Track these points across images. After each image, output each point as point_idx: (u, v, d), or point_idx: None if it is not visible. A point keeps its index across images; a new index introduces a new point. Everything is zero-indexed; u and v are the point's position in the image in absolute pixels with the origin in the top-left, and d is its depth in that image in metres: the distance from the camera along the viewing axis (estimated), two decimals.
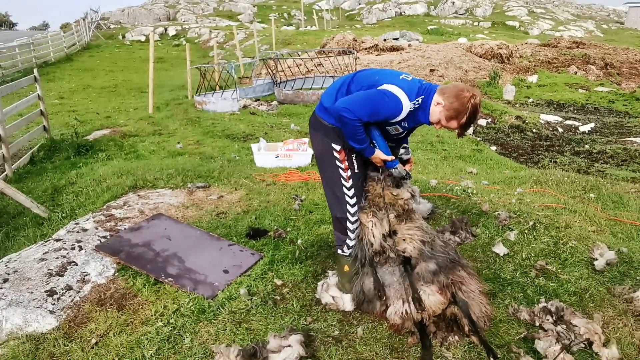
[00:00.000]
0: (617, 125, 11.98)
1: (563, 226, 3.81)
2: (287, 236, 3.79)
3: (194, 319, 2.73)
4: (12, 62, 19.18)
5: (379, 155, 2.62)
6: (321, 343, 2.52)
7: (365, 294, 2.73)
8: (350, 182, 2.69)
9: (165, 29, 35.41)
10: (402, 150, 2.77)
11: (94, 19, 37.26)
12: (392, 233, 2.69)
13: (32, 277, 3.02)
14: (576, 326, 2.48)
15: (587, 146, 9.59)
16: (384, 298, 2.64)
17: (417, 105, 2.50)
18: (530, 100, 15.25)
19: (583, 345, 2.40)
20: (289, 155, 6.11)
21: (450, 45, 21.22)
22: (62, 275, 3.07)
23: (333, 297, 2.86)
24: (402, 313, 2.53)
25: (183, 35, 34.00)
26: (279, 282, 3.11)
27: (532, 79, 17.63)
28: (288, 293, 3.01)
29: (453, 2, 44.03)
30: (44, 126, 7.82)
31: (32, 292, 2.87)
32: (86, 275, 3.13)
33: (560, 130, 11.27)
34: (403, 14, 43.96)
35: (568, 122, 12.03)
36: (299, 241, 3.65)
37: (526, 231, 3.75)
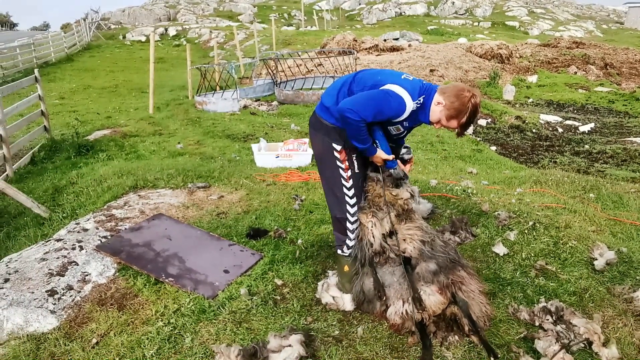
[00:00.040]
0: (617, 125, 11.98)
1: (563, 226, 3.82)
2: (287, 236, 3.79)
3: (195, 318, 2.74)
4: (13, 62, 19.19)
5: (381, 155, 2.63)
6: (321, 343, 2.52)
7: (365, 294, 2.74)
8: (351, 182, 2.70)
9: (166, 29, 35.42)
10: (403, 150, 2.77)
11: (94, 19, 37.28)
12: (392, 233, 2.69)
13: (33, 277, 3.03)
14: (576, 326, 2.49)
15: (587, 146, 9.59)
16: (384, 298, 2.65)
17: (419, 105, 2.52)
18: (530, 100, 15.25)
19: (583, 345, 2.40)
20: (289, 155, 6.11)
21: (450, 45, 21.23)
22: (62, 275, 3.08)
23: (333, 297, 2.87)
24: (402, 313, 2.54)
25: (183, 35, 34.02)
26: (279, 282, 3.11)
27: (532, 79, 17.63)
28: (288, 293, 3.01)
29: (453, 3, 44.04)
30: (45, 126, 7.84)
31: (33, 292, 2.88)
32: (87, 275, 3.13)
33: (560, 130, 11.28)
34: (403, 14, 43.96)
35: (568, 122, 12.03)
36: (299, 241, 3.66)
37: (526, 231, 3.75)
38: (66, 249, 3.37)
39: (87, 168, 6.20)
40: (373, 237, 2.69)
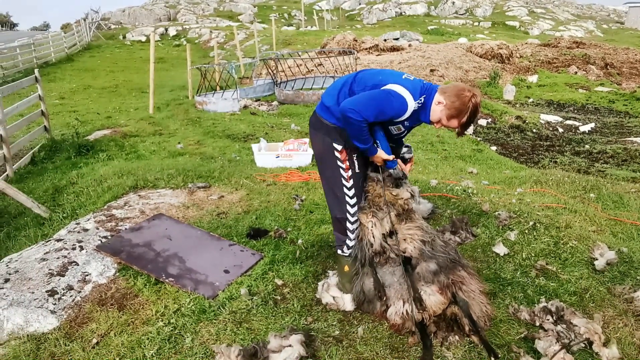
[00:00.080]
0: (618, 125, 11.98)
1: (563, 226, 3.81)
2: (287, 236, 3.79)
3: (195, 318, 2.74)
4: (13, 62, 19.20)
5: (381, 154, 2.63)
6: (322, 343, 2.52)
7: (365, 294, 2.74)
8: (351, 182, 2.70)
9: (166, 29, 35.43)
10: (404, 149, 2.77)
11: (94, 19, 37.30)
12: (392, 233, 2.69)
13: (33, 277, 3.03)
14: (576, 326, 2.49)
15: (587, 146, 9.59)
16: (384, 298, 2.65)
17: (420, 105, 2.52)
18: (531, 100, 15.25)
19: (583, 345, 2.40)
20: (289, 155, 6.11)
21: (451, 45, 21.22)
22: (63, 275, 3.08)
23: (333, 297, 2.87)
24: (402, 313, 2.54)
25: (183, 35, 34.02)
26: (279, 282, 3.11)
27: (533, 79, 17.63)
28: (289, 293, 3.01)
29: (453, 2, 44.03)
30: (45, 126, 7.84)
31: (33, 292, 2.88)
32: (87, 275, 3.13)
33: (561, 130, 11.27)
34: (403, 14, 43.95)
35: (568, 122, 12.03)
36: (300, 241, 3.66)
37: (526, 231, 3.75)
38: (66, 249, 3.37)
39: (87, 168, 6.20)
40: (373, 237, 2.69)
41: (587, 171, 7.55)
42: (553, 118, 12.25)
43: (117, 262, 3.31)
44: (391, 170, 2.73)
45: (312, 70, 15.40)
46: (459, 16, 42.72)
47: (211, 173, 5.39)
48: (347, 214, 2.75)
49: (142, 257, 3.35)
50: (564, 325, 2.50)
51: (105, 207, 4.39)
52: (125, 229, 3.82)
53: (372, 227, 2.69)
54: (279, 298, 2.95)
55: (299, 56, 15.45)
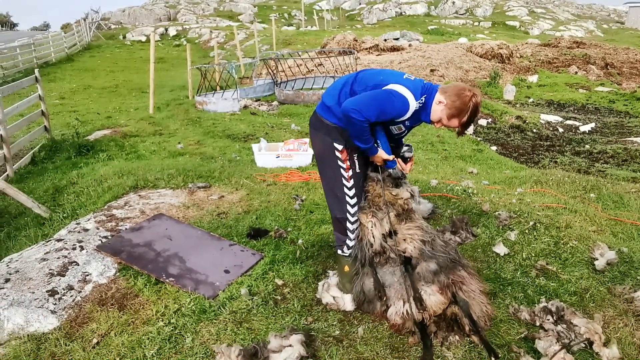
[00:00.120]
0: (618, 125, 11.98)
1: (563, 226, 3.81)
2: (287, 236, 3.79)
3: (195, 318, 2.74)
4: (13, 62, 19.20)
5: (382, 154, 2.63)
6: (322, 343, 2.52)
7: (365, 294, 2.74)
8: (352, 182, 2.70)
9: (166, 29, 35.43)
10: (404, 148, 2.77)
11: (94, 19, 37.29)
12: (392, 233, 2.69)
13: (34, 277, 3.03)
14: (577, 326, 2.49)
15: (587, 146, 9.59)
16: (385, 298, 2.65)
17: (421, 105, 2.53)
18: (531, 100, 15.25)
19: (583, 345, 2.40)
20: (289, 155, 6.11)
21: (451, 45, 21.23)
22: (63, 275, 3.08)
23: (334, 297, 2.87)
24: (402, 313, 2.54)
25: (184, 35, 34.02)
26: (279, 282, 3.11)
27: (533, 79, 17.62)
28: (289, 293, 3.01)
29: (453, 2, 44.03)
30: (45, 126, 7.84)
31: (33, 292, 2.88)
32: (87, 275, 3.13)
33: (561, 130, 11.27)
34: (403, 14, 43.95)
35: (568, 122, 12.03)
36: (300, 241, 3.66)
37: (526, 231, 3.75)
38: (67, 249, 3.37)
39: (87, 168, 6.20)
40: (373, 237, 2.69)
41: (588, 171, 7.55)
42: (553, 118, 12.25)
43: (117, 262, 3.31)
44: (390, 170, 2.74)
45: (312, 70, 15.40)
46: (459, 16, 42.72)
47: (211, 173, 5.39)
48: (347, 214, 2.75)
49: (142, 257, 3.35)
50: (564, 325, 2.50)
51: (106, 207, 4.39)
52: (126, 229, 3.82)
53: (372, 227, 2.69)
54: (279, 298, 2.95)
55: (299, 56, 15.45)
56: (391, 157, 2.67)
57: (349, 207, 2.74)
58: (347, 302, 2.82)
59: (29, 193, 5.19)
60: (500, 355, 2.36)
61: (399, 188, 2.78)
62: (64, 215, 4.64)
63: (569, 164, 8.23)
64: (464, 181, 5.32)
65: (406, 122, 2.59)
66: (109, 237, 3.64)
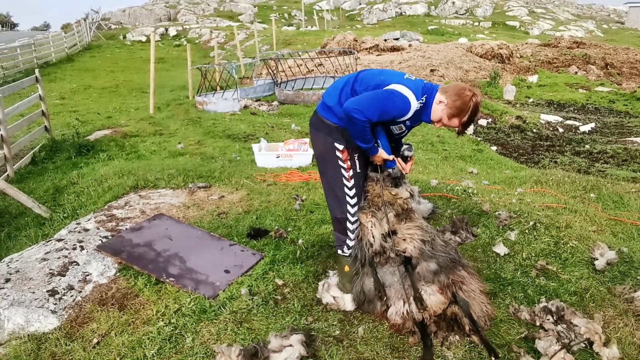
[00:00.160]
0: (618, 125, 11.98)
1: (563, 226, 3.82)
2: (288, 236, 3.79)
3: (195, 318, 2.74)
4: (13, 62, 19.19)
5: (382, 154, 2.64)
6: (322, 343, 2.53)
7: (365, 294, 2.74)
8: (352, 181, 2.70)
9: (166, 29, 35.44)
10: (405, 146, 2.77)
11: (95, 20, 37.30)
12: (391, 233, 2.69)
13: (34, 277, 3.03)
14: (577, 326, 2.49)
15: (587, 146, 9.59)
16: (385, 298, 2.65)
17: (422, 104, 2.53)
18: (531, 100, 15.25)
19: (583, 345, 2.40)
20: (289, 155, 6.12)
21: (451, 45, 21.23)
22: (63, 275, 3.08)
23: (334, 297, 2.87)
24: (403, 313, 2.54)
25: (184, 35, 34.03)
26: (280, 282, 3.11)
27: (533, 79, 17.63)
28: (289, 293, 3.01)
29: (453, 2, 44.02)
30: (46, 126, 7.84)
31: (34, 292, 2.88)
32: (88, 275, 3.14)
33: (561, 130, 11.27)
34: (403, 14, 43.95)
35: (568, 122, 12.03)
36: (300, 241, 3.66)
37: (527, 231, 3.75)
38: (67, 249, 3.37)
39: (87, 168, 6.21)
40: (373, 237, 2.69)
41: (588, 171, 7.55)
42: (553, 118, 12.25)
43: (117, 262, 3.31)
44: (390, 170, 2.74)
45: (313, 70, 15.40)
46: (459, 16, 42.72)
47: (211, 173, 5.40)
48: (348, 214, 2.75)
49: (142, 257, 3.35)
50: (564, 325, 2.51)
51: (106, 207, 4.40)
52: (126, 229, 3.82)
53: (371, 227, 2.70)
54: (280, 298, 2.96)
55: (299, 56, 15.45)
56: (391, 157, 2.67)
57: (349, 207, 2.74)
58: (347, 302, 2.82)
59: (29, 193, 5.19)
60: (500, 355, 2.37)
61: (398, 188, 2.78)
62: (64, 215, 4.65)
63: (569, 164, 8.23)
64: (464, 181, 5.32)
65: (407, 122, 2.60)
66: (109, 237, 3.64)
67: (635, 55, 20.43)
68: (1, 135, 6.11)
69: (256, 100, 11.93)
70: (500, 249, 3.45)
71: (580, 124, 11.78)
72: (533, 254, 3.42)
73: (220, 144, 7.68)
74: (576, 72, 18.39)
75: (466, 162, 7.76)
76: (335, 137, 2.63)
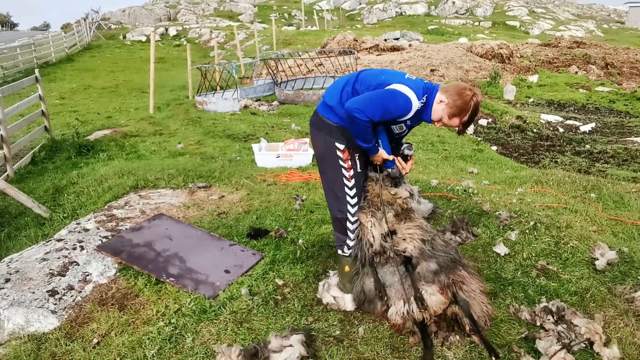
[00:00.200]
0: (618, 125, 11.98)
1: (564, 226, 3.81)
2: (288, 236, 3.79)
3: (196, 318, 2.74)
4: (13, 62, 19.20)
5: (382, 154, 2.63)
6: (322, 343, 2.52)
7: (366, 294, 2.73)
8: (353, 181, 2.70)
9: (166, 29, 35.44)
10: (404, 145, 2.76)
11: (94, 20, 37.30)
12: (391, 233, 2.69)
13: (34, 277, 3.03)
14: (577, 326, 2.49)
15: (587, 146, 9.59)
16: (385, 298, 2.65)
17: (423, 104, 2.53)
18: (531, 100, 15.25)
19: (584, 345, 2.40)
20: (289, 155, 6.11)
21: (451, 45, 21.23)
22: (63, 275, 3.08)
23: (334, 297, 2.86)
24: (403, 313, 2.54)
25: (184, 35, 34.03)
26: (280, 282, 3.11)
27: (533, 78, 17.62)
28: (289, 293, 3.01)
29: (453, 2, 44.02)
30: (45, 126, 7.84)
31: (33, 292, 2.88)
32: (88, 275, 3.13)
33: (561, 130, 11.27)
34: (403, 14, 43.95)
35: (569, 122, 12.02)
36: (300, 241, 3.65)
37: (527, 231, 3.75)
38: (67, 249, 3.37)
39: (87, 168, 6.21)
40: (372, 237, 2.69)
41: (588, 171, 7.55)
42: (553, 118, 12.25)
43: (117, 262, 3.31)
44: (389, 170, 2.74)
45: (313, 70, 15.40)
46: (459, 16, 42.72)
47: (212, 173, 5.39)
48: (348, 214, 2.75)
49: (142, 257, 3.35)
50: (565, 325, 2.50)
51: (106, 207, 4.39)
52: (126, 229, 3.82)
53: (371, 227, 2.69)
54: (280, 298, 2.95)
55: (299, 56, 15.45)
56: (391, 158, 2.67)
57: (349, 207, 2.73)
58: (347, 302, 2.82)
59: (29, 193, 5.19)
60: (500, 355, 2.36)
61: (397, 187, 2.78)
62: (64, 215, 4.64)
63: (569, 163, 8.23)
64: (464, 181, 5.32)
65: (407, 121, 2.60)
66: (109, 237, 3.64)
67: (636, 55, 20.43)
68: (1, 135, 6.11)
69: (256, 100, 11.93)
70: (501, 249, 3.44)
71: (581, 123, 11.78)
72: (533, 254, 3.41)
73: (220, 143, 7.68)
74: (576, 72, 18.39)
75: (466, 162, 7.76)
76: (336, 136, 2.62)
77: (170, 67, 22.01)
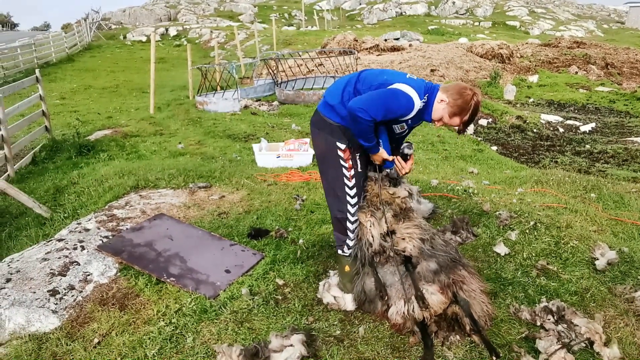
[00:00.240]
0: (618, 125, 11.98)
1: (564, 226, 3.82)
2: (288, 236, 3.79)
3: (196, 318, 2.74)
4: (14, 62, 19.19)
5: (382, 154, 2.64)
6: (323, 342, 2.53)
7: (366, 293, 2.74)
8: (353, 181, 2.70)
9: (166, 29, 35.44)
10: (404, 144, 2.76)
11: (95, 20, 37.30)
12: (390, 232, 2.69)
13: (35, 277, 3.03)
14: (577, 326, 2.49)
15: (587, 146, 9.59)
16: (386, 298, 2.65)
17: (424, 103, 2.54)
18: (531, 100, 15.24)
19: (584, 345, 2.40)
20: (290, 155, 6.12)
21: (451, 45, 21.22)
22: (64, 275, 3.08)
23: (334, 297, 2.87)
24: (403, 313, 2.54)
25: (184, 35, 34.03)
26: (280, 281, 3.11)
27: (533, 78, 17.62)
28: (290, 293, 3.01)
29: (454, 2, 44.02)
30: (46, 126, 7.84)
31: (34, 292, 2.88)
32: (88, 275, 3.14)
33: (561, 130, 11.27)
34: (404, 14, 43.95)
35: (569, 122, 12.02)
36: (301, 241, 3.66)
37: (527, 231, 3.75)
38: (68, 249, 3.38)
39: (88, 168, 6.21)
40: (372, 236, 2.69)
41: (588, 171, 7.55)
42: (554, 118, 12.25)
43: (118, 262, 3.31)
44: (388, 170, 2.74)
45: (313, 70, 15.40)
46: (459, 16, 42.71)
47: (212, 173, 5.40)
48: (348, 214, 2.75)
49: (143, 257, 3.35)
50: (565, 325, 2.51)
51: (107, 207, 4.40)
52: (127, 228, 3.82)
53: (370, 226, 2.70)
54: (280, 298, 2.96)
55: (300, 56, 15.45)
56: (391, 158, 2.68)
57: (349, 207, 2.74)
58: (348, 302, 2.82)
59: (29, 193, 5.19)
60: (501, 355, 2.37)
61: (396, 187, 2.79)
62: (65, 215, 4.65)
63: (569, 163, 8.23)
64: (464, 181, 5.32)
65: (409, 121, 2.61)
66: (110, 237, 3.65)
67: (636, 55, 20.42)
68: (2, 135, 6.12)
69: (256, 100, 11.93)
70: (501, 249, 3.45)
71: (581, 123, 11.78)
72: (534, 254, 3.42)
73: (220, 144, 7.68)
74: (576, 72, 18.39)
75: (466, 162, 7.76)
76: (338, 136, 2.63)
77: (170, 67, 22.01)
